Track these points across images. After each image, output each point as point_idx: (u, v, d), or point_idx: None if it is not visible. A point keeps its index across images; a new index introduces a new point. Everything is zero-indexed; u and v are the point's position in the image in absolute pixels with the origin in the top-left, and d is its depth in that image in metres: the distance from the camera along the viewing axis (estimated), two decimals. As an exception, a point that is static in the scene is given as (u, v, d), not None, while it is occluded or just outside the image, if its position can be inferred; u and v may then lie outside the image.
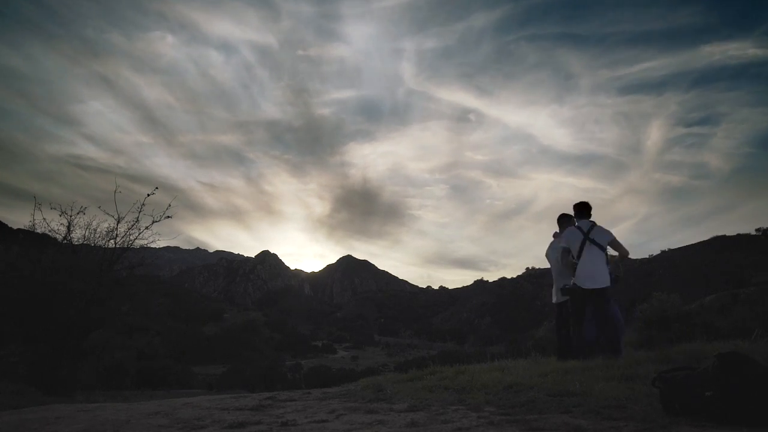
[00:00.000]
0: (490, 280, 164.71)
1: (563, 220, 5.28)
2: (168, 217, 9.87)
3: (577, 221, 5.04)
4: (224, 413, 3.17)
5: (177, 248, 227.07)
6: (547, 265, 5.44)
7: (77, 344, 9.03)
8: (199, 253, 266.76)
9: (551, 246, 5.29)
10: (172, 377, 26.61)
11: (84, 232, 9.61)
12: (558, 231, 5.31)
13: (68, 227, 9.42)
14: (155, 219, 9.75)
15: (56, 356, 8.30)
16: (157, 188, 10.09)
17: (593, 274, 4.71)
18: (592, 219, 4.99)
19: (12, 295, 8.24)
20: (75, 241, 9.63)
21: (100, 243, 9.69)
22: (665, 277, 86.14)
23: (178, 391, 16.45)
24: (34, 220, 9.25)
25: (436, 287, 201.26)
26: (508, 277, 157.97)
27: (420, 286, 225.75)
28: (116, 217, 9.63)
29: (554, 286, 5.13)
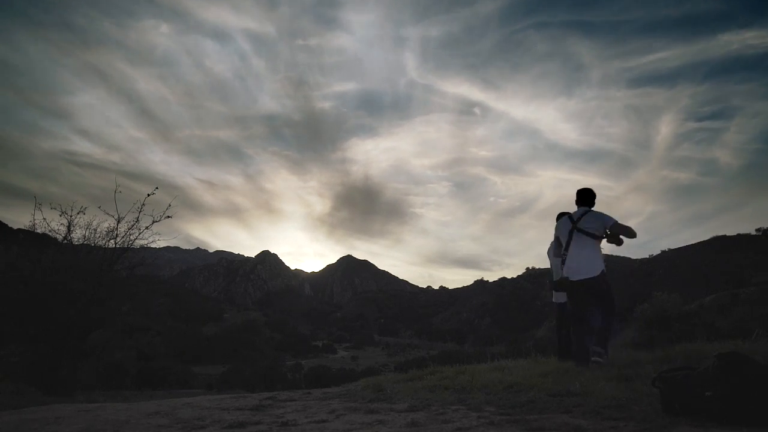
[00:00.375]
0: (490, 280, 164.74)
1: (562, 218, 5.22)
2: (168, 217, 9.88)
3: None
4: (224, 413, 3.17)
5: (177, 248, 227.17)
6: (548, 265, 5.41)
7: (77, 344, 9.03)
8: (199, 253, 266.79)
9: (551, 245, 5.25)
10: (172, 377, 26.62)
11: (84, 232, 9.62)
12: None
13: (68, 227, 9.42)
14: (155, 219, 9.75)
15: (56, 356, 8.30)
16: (157, 188, 10.09)
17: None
18: (593, 207, 4.59)
19: (12, 295, 8.24)
20: (75, 241, 9.63)
21: (100, 243, 9.69)
22: (665, 277, 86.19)
23: (178, 391, 16.46)
24: (34, 220, 9.26)
25: (436, 287, 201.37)
26: (509, 277, 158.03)
27: (420, 286, 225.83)
28: (116, 217, 9.63)
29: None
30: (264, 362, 39.17)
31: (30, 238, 9.67)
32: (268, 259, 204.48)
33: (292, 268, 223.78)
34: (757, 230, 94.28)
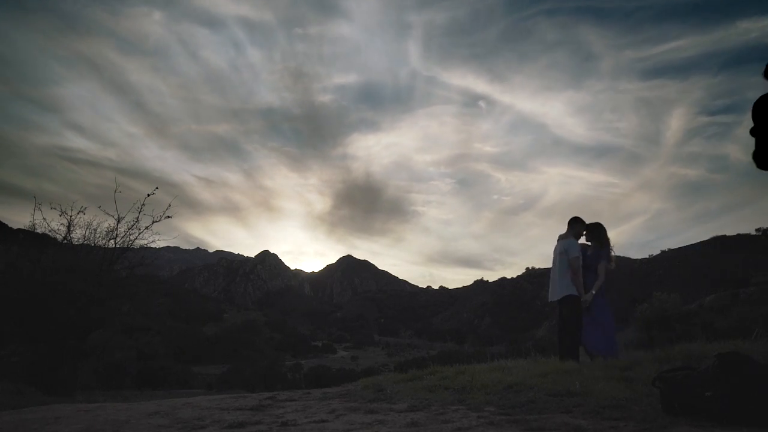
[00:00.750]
0: (490, 280, 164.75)
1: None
2: (168, 217, 9.88)
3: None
4: (224, 413, 3.17)
5: (177, 248, 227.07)
6: (547, 265, 5.47)
7: (77, 344, 9.03)
8: (199, 253, 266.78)
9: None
10: (172, 377, 26.64)
11: (84, 232, 9.62)
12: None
13: (68, 227, 9.42)
14: (155, 219, 9.76)
15: (56, 356, 8.30)
16: (157, 188, 10.10)
17: (550, 286, 5.03)
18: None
19: (12, 295, 8.23)
20: (75, 241, 9.63)
21: (100, 243, 9.69)
22: (665, 277, 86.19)
23: (178, 391, 16.46)
24: (34, 220, 9.25)
25: (436, 287, 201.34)
26: (509, 277, 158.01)
27: (420, 286, 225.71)
28: (116, 216, 9.63)
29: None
30: (264, 362, 39.16)
31: (30, 238, 9.67)
32: (268, 259, 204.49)
33: (292, 268, 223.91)
34: (757, 230, 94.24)
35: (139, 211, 9.68)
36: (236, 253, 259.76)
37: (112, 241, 9.65)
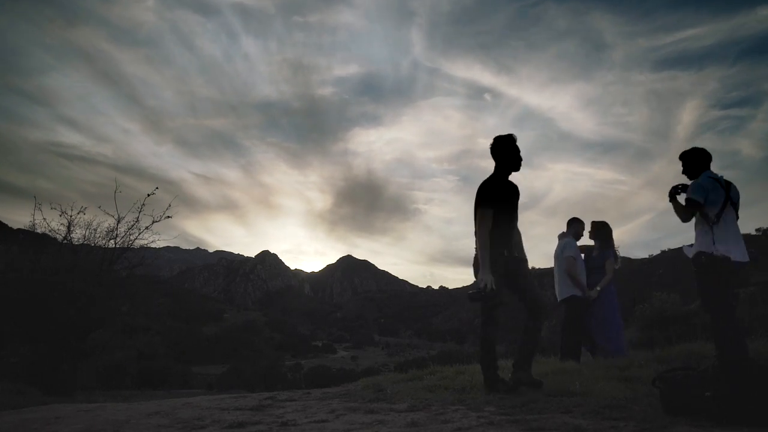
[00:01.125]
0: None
1: (572, 223, 5.24)
2: (168, 217, 9.88)
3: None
4: (224, 413, 3.17)
5: (177, 248, 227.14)
6: (546, 265, 5.50)
7: (77, 344, 9.03)
8: (199, 253, 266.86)
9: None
10: (172, 377, 26.63)
11: (84, 232, 9.62)
12: (562, 233, 5.28)
13: (68, 227, 9.42)
14: (155, 219, 9.76)
15: (56, 356, 8.30)
16: (157, 188, 10.11)
17: (555, 287, 5.06)
18: (574, 234, 5.13)
19: (12, 295, 8.24)
20: (75, 241, 9.64)
21: (100, 243, 9.70)
22: (665, 277, 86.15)
23: (178, 391, 16.46)
24: (34, 220, 9.26)
25: (436, 287, 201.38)
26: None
27: (420, 286, 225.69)
28: (116, 216, 9.64)
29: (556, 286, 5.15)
30: (264, 362, 39.17)
31: (30, 238, 9.67)
32: (267, 259, 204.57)
33: (292, 268, 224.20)
34: (757, 230, 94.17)
35: (139, 211, 9.69)
36: (236, 253, 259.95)
37: (112, 241, 9.67)
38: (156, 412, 3.32)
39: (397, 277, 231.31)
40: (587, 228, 5.23)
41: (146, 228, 9.74)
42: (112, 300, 9.86)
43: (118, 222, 9.64)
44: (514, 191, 3.46)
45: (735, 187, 3.49)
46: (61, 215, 9.32)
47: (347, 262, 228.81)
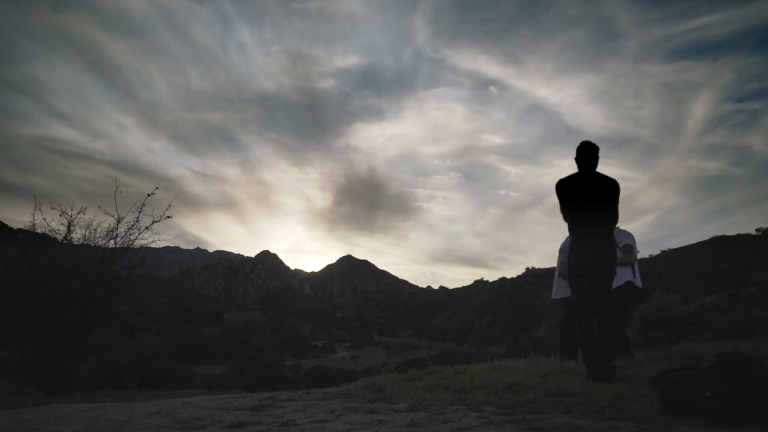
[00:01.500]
0: (490, 280, 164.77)
1: None
2: (168, 217, 9.87)
3: None
4: (224, 413, 3.16)
5: (177, 248, 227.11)
6: (548, 265, 5.46)
7: (77, 344, 9.03)
8: (199, 253, 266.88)
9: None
10: (172, 377, 26.62)
11: (84, 231, 9.61)
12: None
13: (68, 227, 9.42)
14: (155, 219, 9.75)
15: (56, 356, 8.30)
16: (157, 188, 10.09)
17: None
18: None
19: (12, 295, 8.24)
20: (75, 241, 9.63)
21: (100, 243, 9.69)
22: (665, 277, 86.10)
23: (178, 391, 16.44)
24: (34, 220, 9.25)
25: (436, 287, 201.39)
26: (509, 277, 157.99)
27: (420, 285, 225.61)
28: (116, 216, 9.63)
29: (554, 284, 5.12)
30: (264, 362, 39.17)
31: (30, 238, 9.67)
32: (267, 259, 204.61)
33: (292, 268, 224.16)
34: (757, 230, 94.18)
35: (140, 211, 9.68)
36: (236, 252, 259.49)
37: (112, 241, 9.66)
38: (156, 412, 3.32)
39: (397, 277, 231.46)
40: None
41: (146, 228, 9.74)
42: (112, 300, 9.86)
43: (118, 222, 9.64)
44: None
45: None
46: (61, 215, 9.32)
47: (347, 262, 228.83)
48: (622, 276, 4.68)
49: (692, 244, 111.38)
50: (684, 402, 2.22)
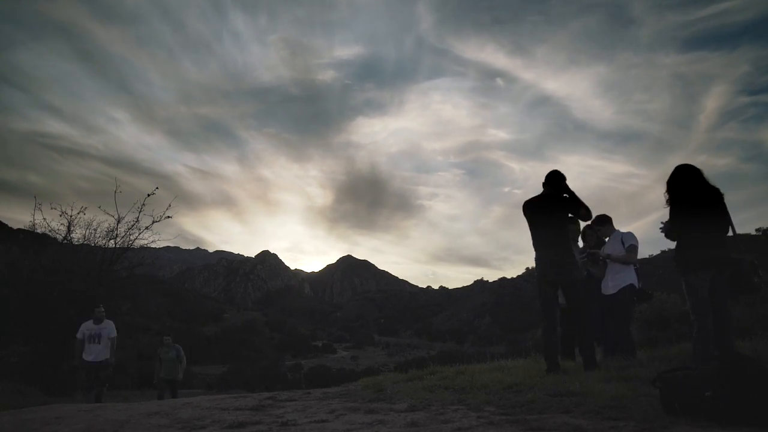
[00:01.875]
0: (490, 280, 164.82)
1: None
2: (168, 217, 9.88)
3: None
4: (224, 413, 3.16)
5: (177, 248, 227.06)
6: None
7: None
8: (199, 253, 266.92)
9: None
10: (172, 377, 26.56)
11: (84, 231, 9.62)
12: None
13: (68, 227, 9.42)
14: (155, 219, 9.76)
15: (56, 356, 8.30)
16: (157, 188, 10.11)
17: None
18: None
19: (12, 295, 8.24)
20: (75, 241, 9.64)
21: (100, 243, 9.70)
22: (665, 277, 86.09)
23: (178, 391, 16.42)
24: (34, 220, 9.26)
25: (436, 287, 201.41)
26: (509, 277, 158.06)
27: (420, 286, 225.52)
28: (116, 217, 9.63)
29: None
30: (264, 362, 39.16)
31: (30, 238, 9.68)
32: (267, 259, 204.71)
33: (292, 268, 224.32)
34: (757, 230, 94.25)
35: (140, 211, 9.69)
36: (236, 253, 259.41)
37: (112, 241, 9.67)
38: (156, 412, 3.32)
39: (397, 277, 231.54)
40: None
41: (146, 228, 9.75)
42: (112, 300, 9.86)
43: (118, 222, 9.65)
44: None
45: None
46: (61, 215, 9.33)
47: (347, 262, 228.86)
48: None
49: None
50: (684, 402, 2.22)
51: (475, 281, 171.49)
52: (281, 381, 28.54)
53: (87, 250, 9.73)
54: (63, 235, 9.49)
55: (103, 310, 6.57)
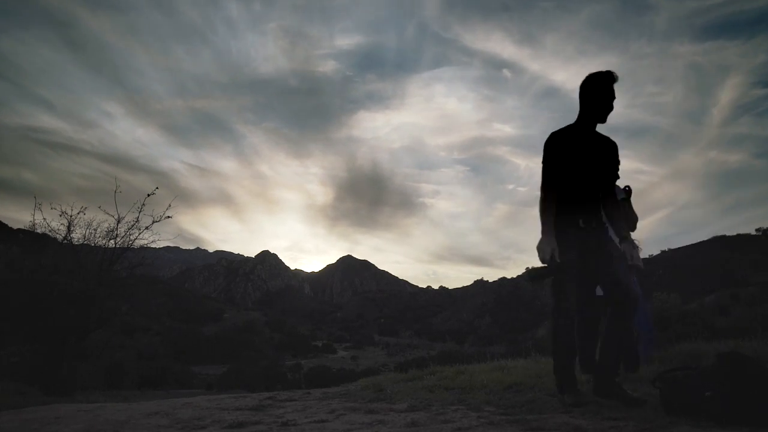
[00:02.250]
0: (490, 280, 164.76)
1: None
2: (168, 217, 9.87)
3: None
4: (224, 413, 3.16)
5: (177, 248, 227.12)
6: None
7: (77, 344, 9.03)
8: (199, 252, 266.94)
9: None
10: (172, 377, 26.64)
11: (84, 231, 9.62)
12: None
13: (68, 227, 9.42)
14: (155, 219, 9.75)
15: (56, 356, 8.31)
16: (157, 188, 10.10)
17: None
18: None
19: (12, 295, 8.24)
20: (75, 241, 9.63)
21: (100, 243, 9.70)
22: (665, 277, 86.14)
23: (178, 391, 16.45)
24: (34, 220, 9.26)
25: (436, 287, 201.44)
26: (509, 277, 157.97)
27: (420, 286, 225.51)
28: (116, 216, 9.63)
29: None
30: (264, 362, 39.18)
31: (30, 238, 9.68)
32: (267, 259, 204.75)
33: (292, 268, 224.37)
34: (757, 230, 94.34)
35: (139, 211, 9.69)
36: (236, 252, 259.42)
37: (112, 241, 9.66)
38: (156, 412, 3.32)
39: (397, 277, 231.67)
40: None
41: (146, 228, 9.75)
42: (112, 300, 9.87)
43: (118, 222, 9.64)
44: (598, 146, 2.75)
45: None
46: (61, 215, 9.33)
47: (347, 262, 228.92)
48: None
49: (692, 244, 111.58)
50: (684, 402, 2.22)
51: (474, 281, 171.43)
52: (281, 381, 28.54)
53: (87, 250, 9.74)
54: (63, 235, 9.50)
55: None
